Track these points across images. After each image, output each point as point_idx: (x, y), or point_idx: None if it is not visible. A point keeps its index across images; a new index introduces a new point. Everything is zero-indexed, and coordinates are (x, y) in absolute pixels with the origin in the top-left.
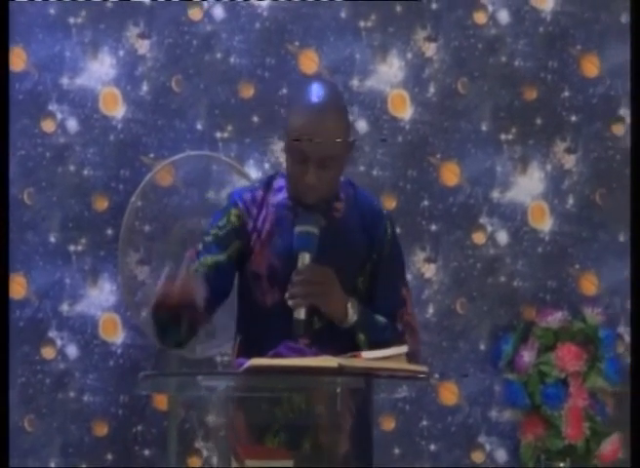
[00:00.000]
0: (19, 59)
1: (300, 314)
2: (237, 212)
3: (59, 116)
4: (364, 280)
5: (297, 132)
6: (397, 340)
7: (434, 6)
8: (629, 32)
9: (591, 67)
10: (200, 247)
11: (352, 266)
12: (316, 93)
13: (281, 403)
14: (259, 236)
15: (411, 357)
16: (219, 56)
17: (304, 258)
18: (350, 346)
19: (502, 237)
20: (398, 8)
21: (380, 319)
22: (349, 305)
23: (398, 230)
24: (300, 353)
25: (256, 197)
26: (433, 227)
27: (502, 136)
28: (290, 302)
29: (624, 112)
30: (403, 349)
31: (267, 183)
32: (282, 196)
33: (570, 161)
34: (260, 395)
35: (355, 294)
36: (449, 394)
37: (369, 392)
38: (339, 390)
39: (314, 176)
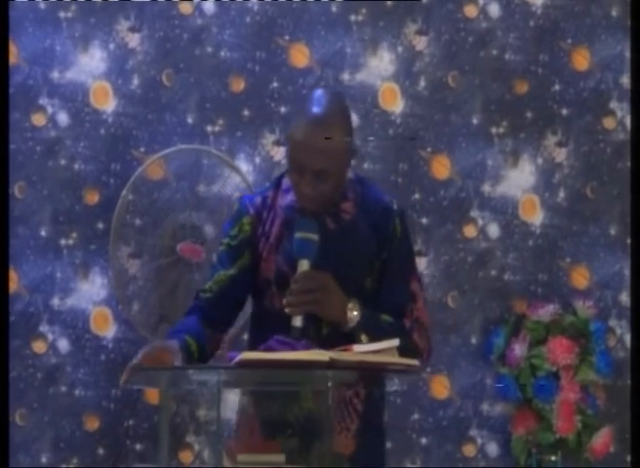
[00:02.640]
0: (9, 53)
1: (297, 321)
2: (249, 219)
3: (49, 110)
4: (372, 279)
5: (296, 141)
6: (404, 339)
7: (425, 0)
8: (620, 26)
9: (582, 61)
10: (215, 259)
11: (360, 267)
12: (316, 104)
13: (293, 402)
14: (267, 239)
15: (420, 353)
16: (209, 49)
17: (303, 265)
18: None
19: (493, 230)
20: (389, 2)
21: (386, 318)
22: (349, 307)
23: None
24: (292, 347)
25: (266, 200)
26: (424, 220)
27: (493, 130)
28: (287, 310)
29: (615, 106)
30: (394, 343)
31: (277, 183)
32: (290, 198)
33: (561, 154)
34: (272, 391)
35: (363, 295)
36: (440, 387)
37: (379, 393)
38: (329, 384)
39: (310, 187)
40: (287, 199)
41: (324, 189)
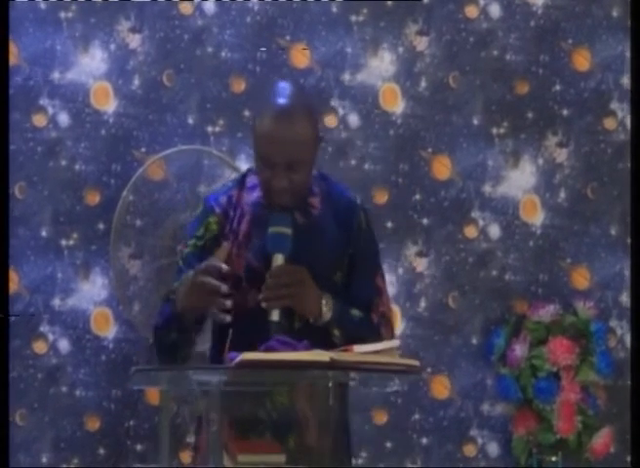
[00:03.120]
0: (10, 54)
1: (274, 316)
2: (215, 219)
3: (50, 110)
4: (341, 274)
5: (263, 137)
6: (372, 334)
7: (425, 0)
8: (621, 26)
9: (583, 61)
10: (180, 261)
11: (330, 262)
12: (282, 95)
13: (265, 400)
14: (236, 237)
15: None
16: (210, 50)
17: (277, 260)
18: (329, 343)
19: (494, 231)
20: (389, 2)
21: (356, 313)
22: (324, 302)
23: (389, 224)
24: (292, 347)
25: (231, 198)
26: (425, 221)
27: (494, 130)
28: (264, 305)
29: (616, 106)
30: (395, 343)
31: (241, 182)
32: (257, 195)
33: (561, 155)
34: (245, 390)
35: (332, 289)
36: (441, 388)
37: (343, 389)
38: (330, 384)
39: (284, 181)
40: (253, 196)
41: (297, 180)
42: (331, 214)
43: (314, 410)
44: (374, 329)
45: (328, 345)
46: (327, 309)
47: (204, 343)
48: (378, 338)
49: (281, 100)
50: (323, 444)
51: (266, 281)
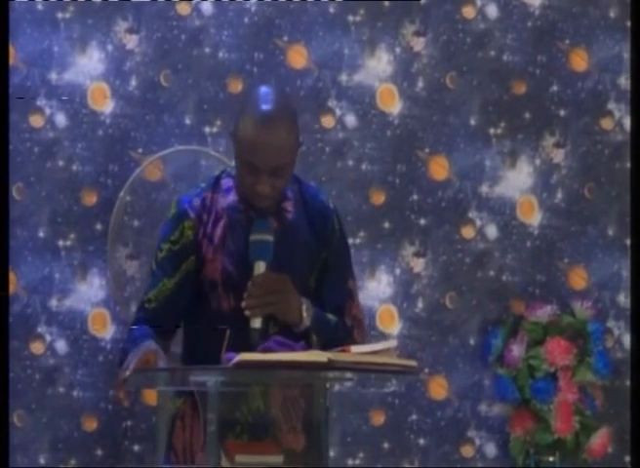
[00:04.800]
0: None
1: (256, 323)
2: (190, 223)
3: (47, 111)
4: (315, 278)
5: (247, 143)
6: (347, 338)
7: (423, 0)
8: (618, 27)
9: (580, 62)
10: (154, 265)
11: (305, 266)
12: (264, 101)
13: (241, 402)
14: (210, 241)
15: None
16: (207, 50)
17: (260, 267)
18: (307, 347)
19: (491, 231)
20: (386, 2)
21: (331, 318)
22: (304, 308)
23: (386, 225)
24: (290, 348)
25: (205, 202)
26: (422, 221)
27: (491, 131)
28: (247, 313)
29: (613, 106)
30: (392, 343)
31: (215, 184)
32: (232, 198)
33: (559, 155)
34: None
35: (307, 293)
36: (438, 388)
37: (322, 391)
38: (328, 385)
39: (267, 186)
40: (229, 199)
41: (279, 185)
42: (304, 218)
43: (296, 413)
44: (347, 332)
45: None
46: (307, 315)
47: (177, 345)
48: (351, 341)
49: (264, 106)
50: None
51: (249, 289)
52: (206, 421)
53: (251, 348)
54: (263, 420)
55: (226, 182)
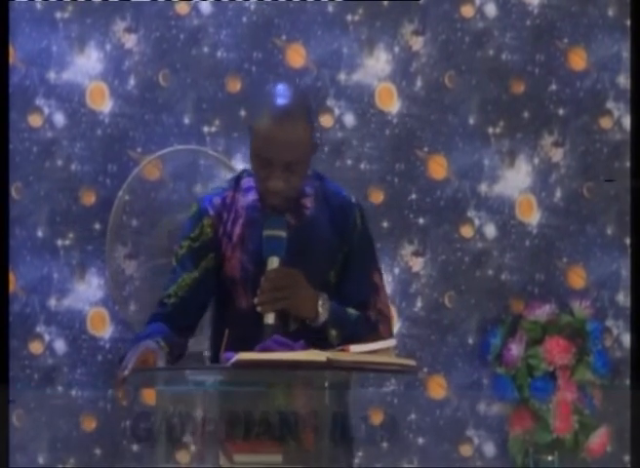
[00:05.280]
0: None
1: (269, 319)
2: (209, 221)
3: (46, 111)
4: (335, 273)
5: (262, 137)
6: (370, 332)
7: (421, 0)
8: (617, 26)
9: (578, 61)
10: (174, 262)
11: (324, 262)
12: (281, 96)
13: (262, 400)
14: (230, 240)
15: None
16: (206, 50)
17: (273, 263)
18: (326, 344)
19: (490, 230)
20: (385, 2)
21: (352, 312)
22: (320, 303)
23: (385, 224)
24: (289, 347)
25: (225, 200)
26: (421, 221)
27: (490, 130)
28: (259, 309)
29: (612, 105)
30: (391, 343)
31: (236, 183)
32: (252, 197)
33: (557, 154)
34: (243, 390)
35: (327, 289)
36: (437, 387)
37: (346, 390)
38: (327, 384)
39: (280, 181)
40: (248, 198)
41: (293, 181)
42: (325, 214)
43: (312, 412)
44: (371, 326)
45: (325, 346)
46: (323, 310)
47: (200, 344)
48: (376, 336)
49: (280, 102)
50: (321, 445)
51: (261, 284)
52: (205, 421)
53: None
54: (287, 419)
55: (247, 182)
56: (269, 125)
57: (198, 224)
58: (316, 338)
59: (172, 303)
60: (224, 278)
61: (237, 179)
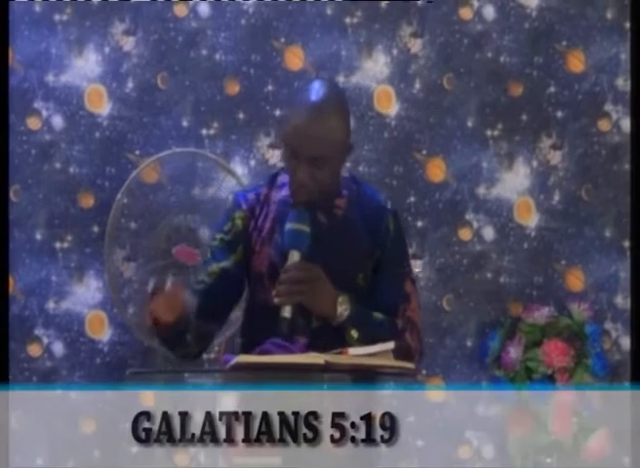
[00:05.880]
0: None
1: (286, 312)
2: (241, 214)
3: (44, 113)
4: (365, 276)
5: (292, 126)
6: (398, 339)
7: (419, 2)
8: (616, 28)
9: (577, 63)
10: (209, 254)
11: (351, 264)
12: (316, 92)
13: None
14: (260, 234)
15: (412, 354)
16: (204, 52)
17: (293, 256)
18: (347, 345)
19: (489, 233)
20: (383, 4)
21: (377, 315)
22: (339, 301)
23: None
24: (287, 350)
25: (259, 196)
26: (419, 223)
27: (488, 133)
28: (275, 300)
29: (610, 108)
30: (390, 345)
31: (272, 180)
32: (284, 193)
33: (556, 157)
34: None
35: (354, 291)
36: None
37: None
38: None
39: (305, 174)
40: (281, 194)
41: (319, 177)
42: (358, 217)
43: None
44: (397, 333)
45: (345, 347)
46: (343, 309)
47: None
48: (401, 344)
49: (315, 97)
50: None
51: (280, 276)
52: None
53: (290, 339)
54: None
55: (282, 178)
56: (300, 116)
57: (230, 218)
58: (337, 339)
59: (200, 289)
60: (252, 271)
61: (274, 176)
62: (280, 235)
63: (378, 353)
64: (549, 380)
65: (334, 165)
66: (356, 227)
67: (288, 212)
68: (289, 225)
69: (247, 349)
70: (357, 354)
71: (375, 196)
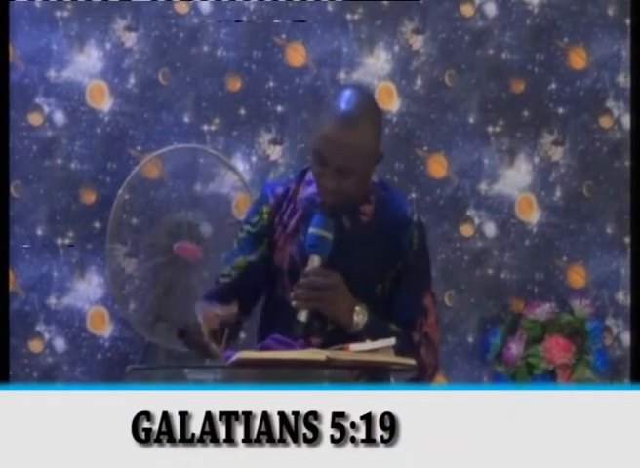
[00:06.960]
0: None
1: (302, 316)
2: (268, 208)
3: (45, 109)
4: (383, 287)
5: (322, 135)
6: (413, 352)
7: None
8: (617, 25)
9: (578, 60)
10: (235, 245)
11: (371, 272)
12: (347, 100)
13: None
14: (283, 230)
15: (426, 369)
16: (205, 48)
17: (314, 262)
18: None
19: (490, 229)
20: (385, 0)
21: (393, 327)
22: (356, 310)
23: None
24: (288, 346)
25: (288, 191)
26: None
27: (490, 129)
28: (293, 304)
29: (612, 104)
30: (391, 342)
31: (301, 176)
32: (311, 190)
33: (557, 153)
34: None
35: (372, 301)
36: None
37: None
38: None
39: (332, 182)
40: (308, 191)
41: (345, 186)
42: (383, 225)
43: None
44: (412, 347)
45: (347, 343)
46: (359, 319)
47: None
48: (417, 358)
49: (346, 107)
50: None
51: (299, 280)
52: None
53: (305, 341)
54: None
55: (311, 175)
56: (331, 125)
57: (258, 211)
58: (351, 342)
59: (225, 282)
60: (273, 266)
61: (303, 172)
62: (304, 234)
63: (379, 349)
64: (550, 376)
65: (362, 174)
66: (380, 236)
67: (313, 212)
68: (312, 229)
69: (265, 334)
70: (358, 350)
71: (402, 206)
